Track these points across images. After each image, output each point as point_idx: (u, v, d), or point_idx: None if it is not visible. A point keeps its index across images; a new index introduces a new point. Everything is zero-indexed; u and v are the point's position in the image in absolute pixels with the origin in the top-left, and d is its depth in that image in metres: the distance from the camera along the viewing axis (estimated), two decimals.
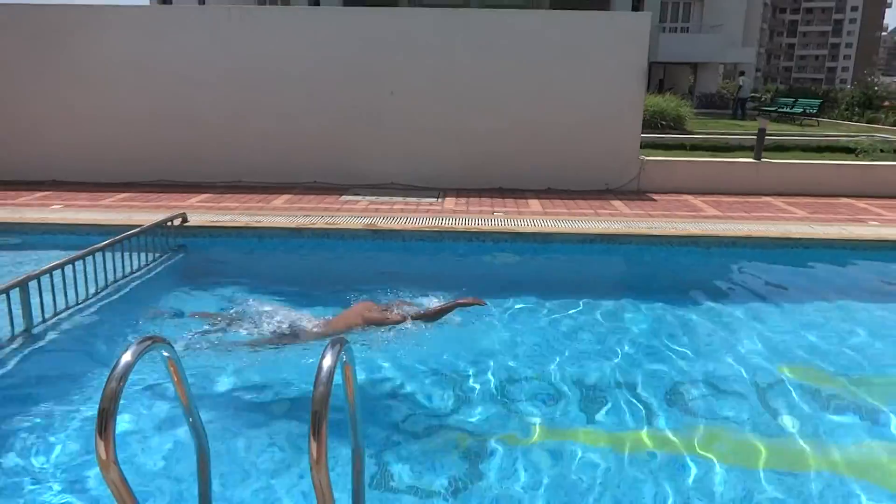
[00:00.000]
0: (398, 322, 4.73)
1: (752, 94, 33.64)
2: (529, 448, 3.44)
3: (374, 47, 9.20)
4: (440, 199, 8.66)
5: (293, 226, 7.05)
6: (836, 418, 3.85)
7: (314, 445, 1.91)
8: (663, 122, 16.43)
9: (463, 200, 8.63)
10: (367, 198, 8.66)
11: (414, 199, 8.58)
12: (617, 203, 8.71)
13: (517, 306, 5.35)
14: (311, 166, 9.49)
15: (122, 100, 9.34)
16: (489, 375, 4.21)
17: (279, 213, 7.67)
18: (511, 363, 4.40)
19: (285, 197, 8.66)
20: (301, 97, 9.29)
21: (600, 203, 8.67)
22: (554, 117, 9.35)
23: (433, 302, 5.05)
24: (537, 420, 3.74)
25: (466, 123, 9.39)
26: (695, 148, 13.83)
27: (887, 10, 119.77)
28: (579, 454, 3.38)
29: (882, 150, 13.63)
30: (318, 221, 7.21)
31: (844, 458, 3.43)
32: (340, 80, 9.26)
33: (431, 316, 4.85)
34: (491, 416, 3.76)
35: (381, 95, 9.32)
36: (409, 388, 4.05)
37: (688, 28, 34.46)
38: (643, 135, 10.89)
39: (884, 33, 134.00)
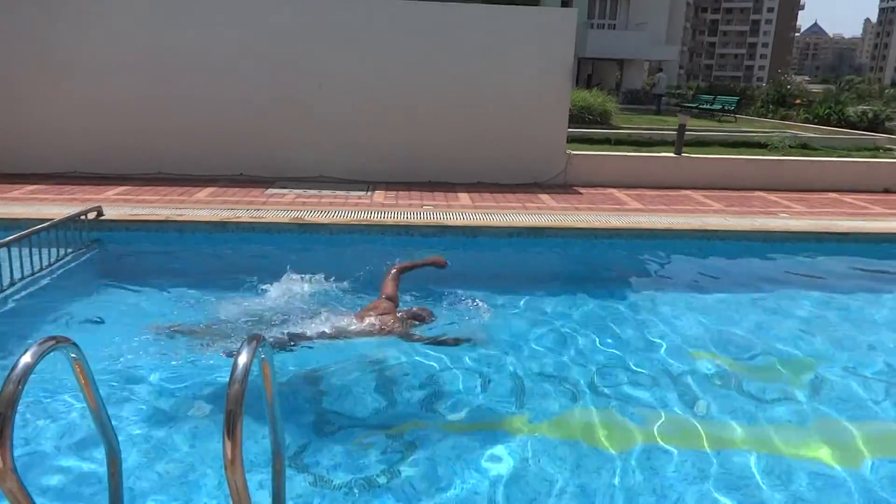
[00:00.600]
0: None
1: (676, 91, 34.84)
2: (458, 440, 3.46)
3: (301, 36, 9.05)
4: (369, 193, 8.61)
5: (216, 219, 6.86)
6: (747, 400, 4.04)
7: (228, 446, 1.87)
8: (590, 117, 16.80)
9: (392, 194, 8.60)
10: (295, 191, 8.52)
11: (343, 193, 8.50)
12: (544, 197, 8.86)
13: (444, 300, 5.37)
14: (237, 158, 9.26)
15: (32, 86, 8.86)
16: (417, 370, 4.22)
17: (202, 206, 7.45)
18: (437, 357, 4.42)
19: (209, 190, 8.43)
20: (224, 86, 9.05)
21: (528, 196, 8.80)
22: (483, 111, 9.43)
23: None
24: (465, 412, 3.78)
25: (396, 116, 9.36)
26: (620, 142, 14.21)
27: (800, 12, 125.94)
28: (508, 444, 3.43)
29: (790, 146, 14.35)
30: (244, 215, 7.04)
31: (768, 438, 3.60)
32: (267, 69, 9.06)
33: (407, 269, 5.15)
34: (419, 411, 3.77)
35: (310, 86, 9.18)
36: (335, 384, 4.02)
37: (615, 25, 35.34)
38: (570, 129, 11.12)
39: (796, 34, 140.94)
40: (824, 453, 3.50)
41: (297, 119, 9.27)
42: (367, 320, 4.56)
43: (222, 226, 6.78)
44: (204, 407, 3.64)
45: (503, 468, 3.23)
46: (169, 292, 5.30)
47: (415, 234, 6.97)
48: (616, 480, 3.16)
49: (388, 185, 9.10)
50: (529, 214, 7.71)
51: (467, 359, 4.39)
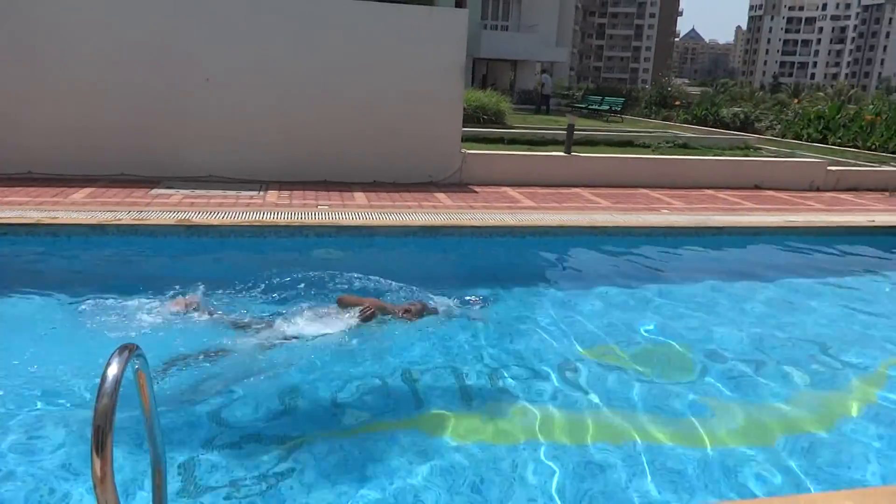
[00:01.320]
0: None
1: (567, 92, 36.04)
2: (350, 445, 3.43)
3: (186, 29, 8.67)
4: (262, 193, 8.37)
5: (95, 222, 6.45)
6: (642, 389, 4.23)
7: (97, 463, 1.76)
8: (485, 117, 17.10)
9: (286, 193, 8.41)
10: (182, 191, 8.15)
11: (233, 193, 8.22)
12: (440, 195, 8.93)
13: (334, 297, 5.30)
14: (117, 157, 8.75)
15: None
16: (310, 375, 4.14)
17: (79, 208, 6.99)
18: (333, 360, 4.36)
19: (87, 191, 7.92)
20: (102, 79, 8.52)
21: (424, 195, 8.84)
22: (378, 110, 9.38)
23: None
24: (362, 414, 3.74)
25: (290, 114, 9.15)
26: (513, 142, 14.55)
27: (679, 18, 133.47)
28: (400, 445, 3.43)
29: (669, 145, 15.17)
30: (125, 217, 6.66)
31: (663, 425, 3.78)
32: (150, 61, 8.61)
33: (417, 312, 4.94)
34: (309, 418, 3.70)
35: (197, 81, 8.81)
36: (217, 395, 3.87)
37: (507, 27, 36.11)
38: (465, 128, 11.27)
39: (676, 39, 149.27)
40: (719, 435, 3.71)
41: (183, 115, 8.88)
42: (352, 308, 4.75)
43: (101, 229, 6.38)
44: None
45: (397, 475, 3.22)
46: (39, 299, 4.94)
47: (310, 234, 6.84)
48: (514, 475, 3.22)
49: (282, 185, 8.88)
50: (425, 213, 7.75)
51: (365, 362, 4.35)
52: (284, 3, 9.01)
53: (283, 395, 3.91)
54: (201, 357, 4.20)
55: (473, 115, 16.73)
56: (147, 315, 4.63)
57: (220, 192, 8.17)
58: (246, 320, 4.68)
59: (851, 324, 5.70)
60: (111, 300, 4.84)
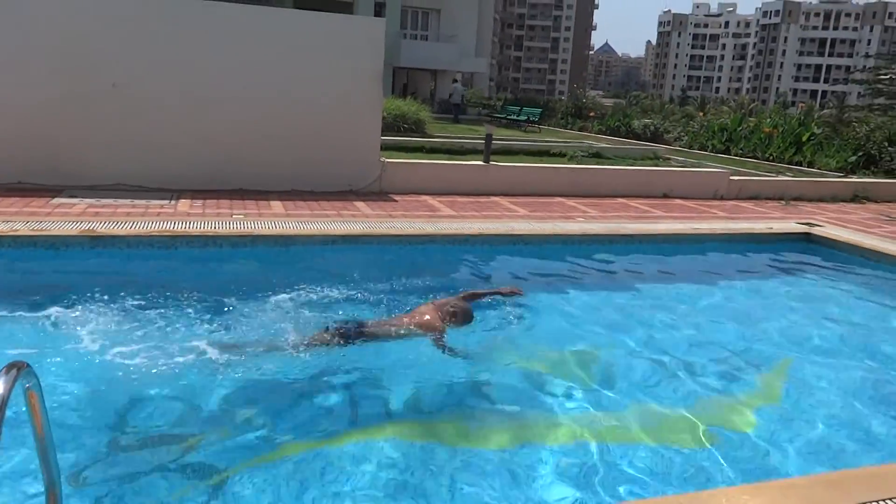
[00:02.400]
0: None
1: (486, 102, 36.60)
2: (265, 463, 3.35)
3: (92, 32, 8.28)
4: (173, 202, 8.08)
5: None
6: (550, 396, 4.32)
7: None
8: (405, 126, 17.14)
9: (199, 202, 8.14)
10: (87, 200, 7.77)
11: (143, 202, 7.89)
12: (360, 204, 8.87)
13: (259, 311, 5.18)
14: (14, 164, 8.24)
15: None
16: (225, 387, 4.02)
17: None
18: (246, 377, 4.25)
19: None
20: None
21: (343, 204, 8.76)
22: (295, 117, 9.25)
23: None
24: (277, 434, 3.66)
25: (204, 121, 8.89)
26: (433, 150, 14.64)
27: (593, 32, 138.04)
28: (324, 458, 3.37)
29: (584, 155, 15.64)
30: (22, 228, 6.28)
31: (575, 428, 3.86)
32: (50, 66, 8.17)
33: (476, 297, 5.48)
34: (215, 426, 3.59)
35: (103, 85, 8.42)
36: (120, 407, 3.71)
37: (427, 36, 36.38)
38: (385, 137, 11.26)
39: (591, 52, 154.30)
40: (630, 434, 3.83)
41: (88, 122, 8.47)
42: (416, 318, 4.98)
43: None
44: None
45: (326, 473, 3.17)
46: None
47: (223, 244, 6.65)
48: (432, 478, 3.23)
49: (195, 194, 8.60)
50: (344, 222, 7.68)
51: (279, 375, 4.26)
52: (196, 7, 8.76)
53: (194, 404, 3.78)
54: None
55: (393, 124, 16.75)
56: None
57: (128, 202, 7.83)
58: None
59: (753, 325, 6.02)
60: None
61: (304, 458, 3.38)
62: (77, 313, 4.70)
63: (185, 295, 5.20)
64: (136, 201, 7.90)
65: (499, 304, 5.84)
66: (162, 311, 4.87)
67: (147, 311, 4.87)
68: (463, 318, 5.08)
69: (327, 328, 4.74)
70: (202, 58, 8.77)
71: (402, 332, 4.86)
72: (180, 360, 4.20)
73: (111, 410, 3.69)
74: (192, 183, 8.84)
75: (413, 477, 3.26)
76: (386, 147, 12.41)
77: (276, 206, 8.33)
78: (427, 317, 4.98)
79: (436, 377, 4.44)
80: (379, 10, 32.21)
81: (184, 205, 7.96)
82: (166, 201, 8.07)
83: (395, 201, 9.30)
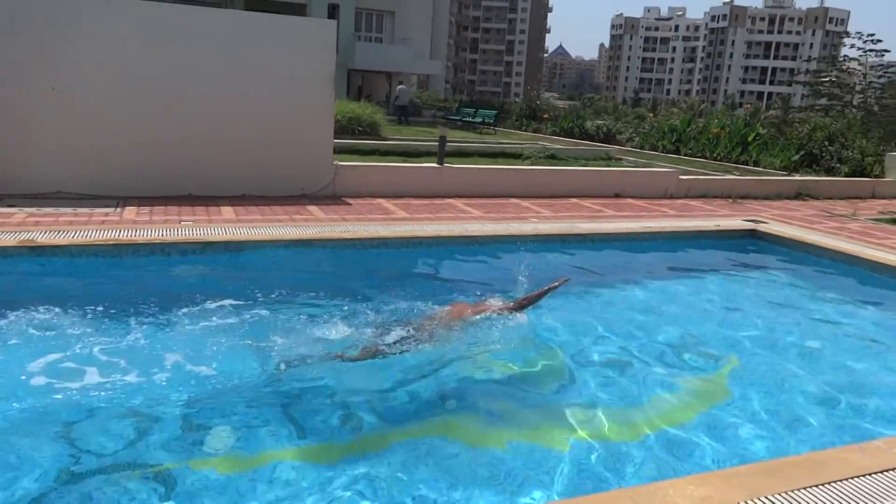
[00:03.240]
0: (498, 312, 5.20)
1: (442, 104, 36.64)
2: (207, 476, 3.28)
3: (29, 33, 8.02)
4: (119, 209, 7.88)
5: None
6: (506, 397, 4.34)
7: None
8: (359, 128, 17.04)
9: (146, 210, 7.96)
10: (27, 209, 7.51)
11: (86, 210, 7.68)
12: (313, 208, 8.78)
13: (210, 318, 5.09)
14: None
15: None
16: (172, 397, 3.93)
17: None
18: (203, 377, 4.16)
19: None
20: None
21: (296, 209, 8.67)
22: (246, 122, 9.11)
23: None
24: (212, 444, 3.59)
25: (150, 125, 8.68)
26: (388, 153, 14.60)
27: (547, 35, 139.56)
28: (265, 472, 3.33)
29: (538, 156, 15.79)
30: None
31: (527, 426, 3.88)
32: None
33: (530, 302, 5.41)
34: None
35: (43, 89, 8.16)
36: (63, 426, 3.60)
37: (381, 38, 36.27)
38: (339, 140, 11.18)
39: (545, 55, 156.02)
40: (586, 432, 3.87)
41: (27, 127, 8.20)
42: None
43: None
44: None
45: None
46: None
47: (172, 252, 6.51)
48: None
49: (142, 201, 8.40)
50: (297, 227, 7.59)
51: (235, 380, 4.19)
52: (140, 7, 8.57)
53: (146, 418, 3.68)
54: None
55: (348, 127, 16.64)
56: None
57: (70, 210, 7.61)
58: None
59: (703, 320, 6.16)
60: None
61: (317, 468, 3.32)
62: (16, 327, 4.54)
63: (132, 305, 5.09)
64: (80, 209, 7.68)
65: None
66: (106, 322, 4.74)
67: (90, 323, 4.74)
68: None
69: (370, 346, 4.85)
70: (146, 60, 8.57)
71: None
72: (131, 375, 4.10)
73: (53, 429, 3.58)
74: (138, 190, 8.63)
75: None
76: (340, 150, 12.33)
77: (227, 211, 8.20)
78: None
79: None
80: (332, 12, 32.00)
81: (130, 212, 7.77)
82: (111, 209, 7.87)
83: (349, 205, 9.24)
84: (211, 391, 4.06)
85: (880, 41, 25.98)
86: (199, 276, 6.24)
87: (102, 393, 3.92)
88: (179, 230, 6.97)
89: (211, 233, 6.95)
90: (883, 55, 26.54)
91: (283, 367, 4.42)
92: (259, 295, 5.55)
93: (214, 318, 5.09)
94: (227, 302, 5.33)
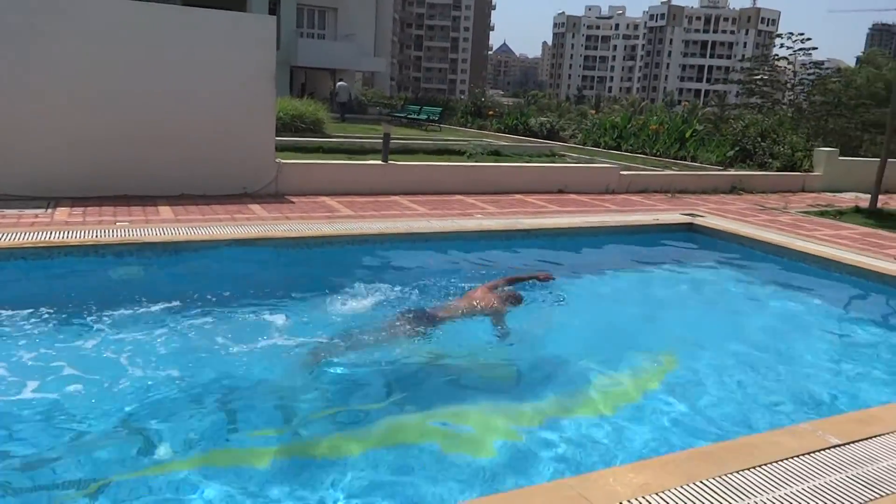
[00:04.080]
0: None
1: (387, 101, 36.50)
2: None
3: None
4: (50, 210, 7.58)
5: None
6: (449, 391, 4.36)
7: None
8: (302, 126, 16.82)
9: (79, 210, 7.68)
10: None
11: (14, 211, 7.36)
12: (255, 207, 8.64)
13: (146, 321, 4.95)
14: None
15: None
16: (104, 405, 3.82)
17: None
18: (141, 384, 4.05)
19: None
20: None
21: (237, 208, 8.51)
22: (183, 119, 8.88)
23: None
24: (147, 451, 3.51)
25: (82, 122, 8.37)
26: (332, 151, 14.47)
27: (491, 32, 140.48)
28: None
29: (483, 153, 15.89)
30: None
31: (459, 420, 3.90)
32: None
33: (511, 282, 6.10)
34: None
35: None
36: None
37: (324, 35, 35.88)
38: (282, 138, 11.02)
39: (490, 52, 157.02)
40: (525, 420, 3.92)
41: None
42: (473, 301, 5.61)
43: None
44: None
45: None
46: None
47: (106, 253, 6.31)
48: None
49: (75, 201, 8.10)
50: (239, 226, 7.45)
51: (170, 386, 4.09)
52: (76, 2, 8.25)
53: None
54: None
55: (291, 125, 16.42)
56: None
57: None
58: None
59: (641, 312, 6.31)
60: None
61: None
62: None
63: (63, 309, 4.91)
64: (7, 211, 7.36)
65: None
66: (34, 327, 4.56)
67: (18, 327, 4.56)
68: (518, 301, 5.83)
69: (402, 314, 5.23)
70: (76, 56, 8.26)
71: (467, 313, 5.47)
72: (62, 381, 3.95)
73: None
74: (70, 190, 8.32)
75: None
76: (283, 148, 12.16)
77: (165, 211, 7.99)
78: (489, 300, 5.64)
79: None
80: (273, 8, 31.50)
81: (62, 213, 7.49)
82: (41, 210, 7.56)
83: (293, 203, 9.12)
84: (148, 396, 3.96)
85: (809, 39, 27.00)
86: (135, 278, 6.07)
87: (33, 399, 3.78)
88: (115, 231, 6.76)
89: (148, 233, 6.76)
90: (811, 53, 27.63)
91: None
92: (198, 297, 5.43)
93: (151, 321, 4.96)
94: (164, 304, 5.20)
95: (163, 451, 3.47)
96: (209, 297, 5.45)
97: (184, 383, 4.14)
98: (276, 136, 9.95)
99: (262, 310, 5.44)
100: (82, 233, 6.58)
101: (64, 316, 4.87)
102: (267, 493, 3.11)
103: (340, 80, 30.03)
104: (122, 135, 8.58)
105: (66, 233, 6.52)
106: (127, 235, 6.62)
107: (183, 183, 8.98)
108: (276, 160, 9.72)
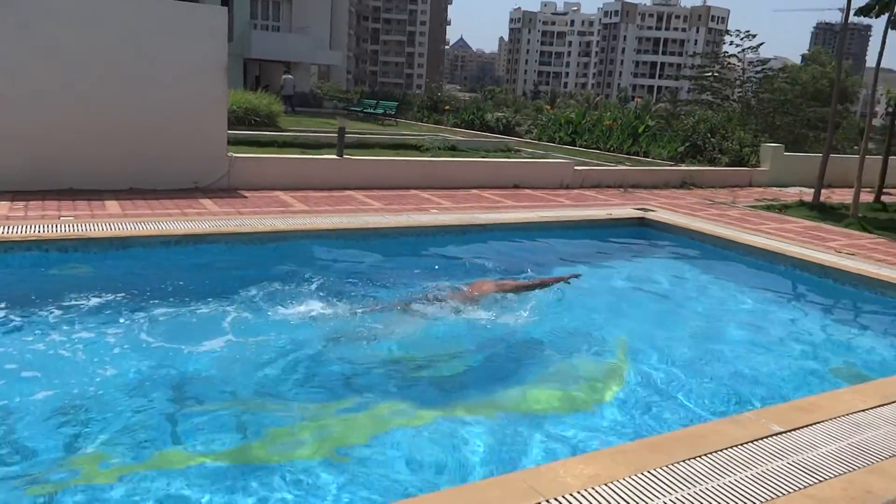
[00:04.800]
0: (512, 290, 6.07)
1: (343, 95, 36.15)
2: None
3: None
4: None
5: None
6: (402, 385, 4.36)
7: None
8: (256, 119, 16.54)
9: (21, 205, 7.42)
10: None
11: None
12: (206, 202, 8.46)
13: (94, 317, 4.81)
14: None
15: None
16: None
17: None
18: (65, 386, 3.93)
19: None
20: None
21: (188, 202, 8.32)
22: (132, 112, 8.64)
23: None
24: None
25: (24, 115, 8.08)
26: (287, 145, 14.26)
27: (448, 27, 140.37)
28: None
29: (441, 148, 15.88)
30: None
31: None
32: None
33: (539, 285, 6.30)
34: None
35: None
36: None
37: (279, 27, 35.32)
38: (235, 131, 10.80)
39: (446, 47, 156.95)
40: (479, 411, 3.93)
41: None
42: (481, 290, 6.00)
43: None
44: None
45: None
46: None
47: (50, 249, 6.11)
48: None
49: (16, 195, 7.81)
50: (189, 221, 7.29)
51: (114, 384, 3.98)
52: None
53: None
54: None
55: (244, 118, 16.12)
56: None
57: None
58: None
59: (593, 305, 6.40)
60: None
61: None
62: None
63: (4, 305, 4.74)
64: None
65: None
66: None
67: None
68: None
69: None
70: (17, 45, 7.95)
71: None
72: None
73: None
74: (12, 183, 8.02)
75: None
76: (236, 142, 11.94)
77: (112, 206, 7.77)
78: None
79: None
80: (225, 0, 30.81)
81: (2, 207, 7.22)
82: None
83: (245, 198, 8.97)
84: (92, 394, 3.85)
85: (755, 36, 27.74)
86: (80, 274, 5.89)
87: None
88: (59, 226, 6.54)
89: (94, 228, 6.56)
90: (758, 51, 28.40)
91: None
92: (146, 293, 5.30)
93: (97, 318, 4.82)
94: (110, 300, 5.06)
95: (101, 449, 3.39)
96: (157, 293, 5.33)
97: (128, 380, 4.04)
98: (230, 129, 9.78)
99: (213, 306, 5.35)
100: (24, 228, 6.35)
101: (2, 314, 4.70)
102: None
103: (285, 72, 29.54)
104: (65, 126, 8.31)
105: (6, 228, 6.28)
106: (71, 230, 6.41)
107: (131, 177, 8.75)
108: (229, 154, 9.54)
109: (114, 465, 3.27)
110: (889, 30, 12.12)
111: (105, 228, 6.60)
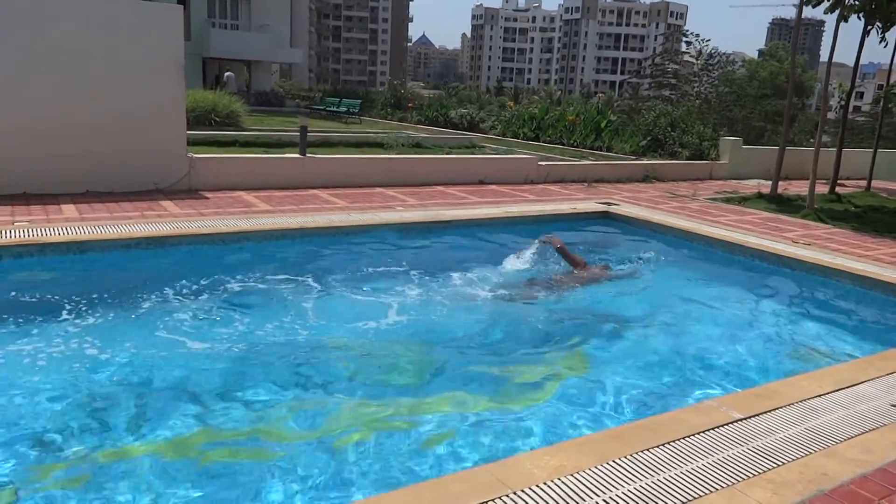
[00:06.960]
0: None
1: (305, 93, 35.83)
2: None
3: None
4: None
5: None
6: (368, 384, 4.35)
7: None
8: (217, 119, 16.30)
9: None
10: None
11: None
12: (167, 203, 8.32)
13: (51, 326, 4.70)
14: None
15: None
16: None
17: None
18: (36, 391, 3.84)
19: None
20: None
21: (148, 204, 8.17)
22: (86, 112, 8.45)
23: None
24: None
25: None
26: (249, 144, 14.09)
27: (410, 24, 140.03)
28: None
29: (405, 145, 15.86)
30: None
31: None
32: None
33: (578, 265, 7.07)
34: None
35: None
36: None
37: (238, 25, 34.86)
38: (195, 132, 10.63)
39: (409, 44, 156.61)
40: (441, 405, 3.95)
41: None
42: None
43: None
44: None
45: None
46: None
47: (4, 256, 5.94)
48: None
49: None
50: (149, 223, 7.16)
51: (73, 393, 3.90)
52: None
53: None
54: None
55: (204, 118, 15.88)
56: None
57: None
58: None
59: (557, 298, 6.46)
60: None
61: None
62: None
63: None
64: None
65: None
66: None
67: None
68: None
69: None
70: None
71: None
72: None
73: None
74: None
75: None
76: (196, 142, 11.77)
77: (69, 209, 7.59)
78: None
79: None
80: None
81: None
82: None
83: (207, 199, 8.84)
84: (46, 401, 3.77)
85: (709, 41, 28.86)
86: (36, 281, 5.74)
87: None
88: (12, 232, 6.37)
89: (50, 233, 6.41)
90: (716, 47, 29.05)
91: None
92: (105, 298, 5.20)
93: (55, 325, 4.72)
94: (68, 306, 4.95)
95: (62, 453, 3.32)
96: (117, 298, 5.23)
97: (88, 387, 3.97)
98: (190, 129, 9.64)
99: (175, 310, 5.27)
100: None
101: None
102: None
103: (228, 70, 29.17)
104: (15, 128, 8.09)
105: None
106: (26, 236, 6.25)
107: (88, 179, 8.56)
108: (189, 154, 9.40)
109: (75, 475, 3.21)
110: (841, 25, 12.46)
111: (61, 233, 6.45)
